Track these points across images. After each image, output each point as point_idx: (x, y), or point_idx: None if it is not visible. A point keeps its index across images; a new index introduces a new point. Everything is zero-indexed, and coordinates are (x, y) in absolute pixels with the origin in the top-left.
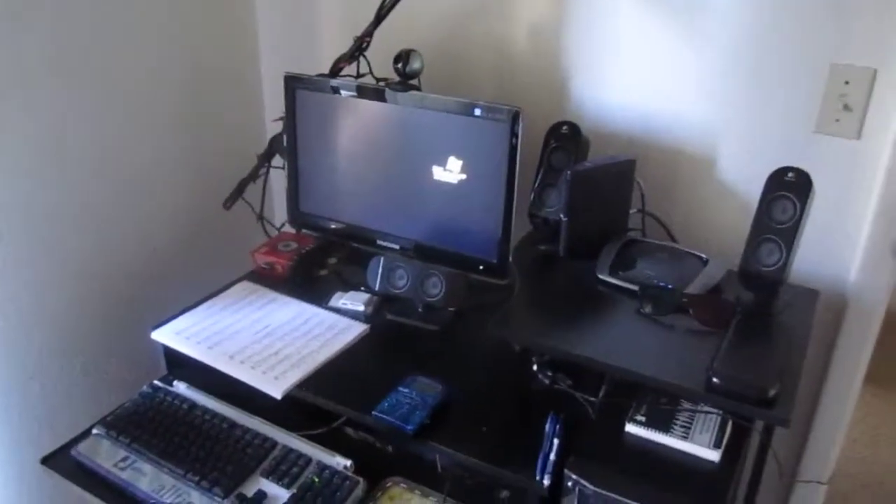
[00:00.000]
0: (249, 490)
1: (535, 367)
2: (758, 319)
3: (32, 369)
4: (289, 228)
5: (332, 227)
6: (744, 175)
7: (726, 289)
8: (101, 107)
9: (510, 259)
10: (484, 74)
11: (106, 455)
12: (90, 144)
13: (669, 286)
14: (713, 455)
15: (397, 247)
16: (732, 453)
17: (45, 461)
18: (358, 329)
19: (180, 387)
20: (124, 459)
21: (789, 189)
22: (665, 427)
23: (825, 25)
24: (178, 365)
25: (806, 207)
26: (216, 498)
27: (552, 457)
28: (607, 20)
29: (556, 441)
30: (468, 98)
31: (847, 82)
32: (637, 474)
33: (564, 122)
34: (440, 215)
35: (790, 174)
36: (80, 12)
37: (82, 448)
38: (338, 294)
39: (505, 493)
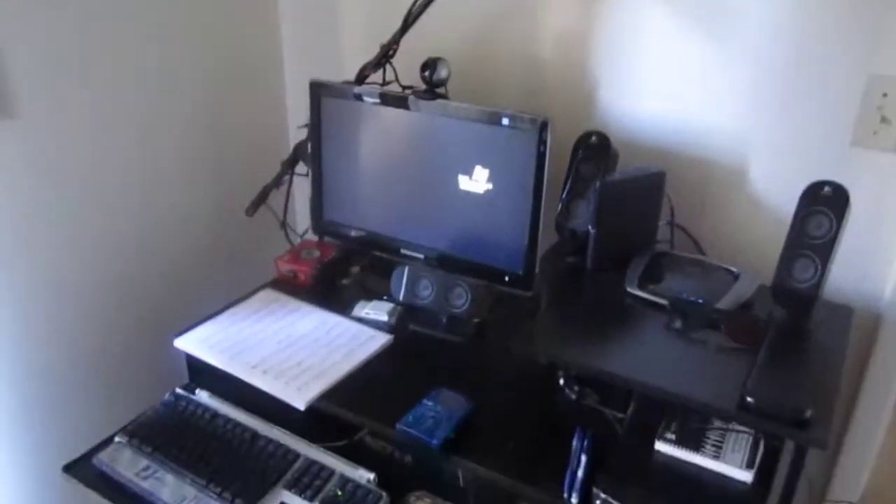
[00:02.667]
0: (272, 503)
1: (561, 382)
2: (791, 337)
3: (54, 376)
4: (312, 236)
5: (356, 235)
6: (776, 188)
7: (758, 304)
8: (122, 111)
9: (536, 270)
10: (512, 83)
11: (127, 464)
12: (110, 150)
13: (700, 301)
14: (745, 476)
15: (421, 256)
16: (765, 474)
17: (67, 469)
18: (381, 340)
19: (203, 396)
20: (146, 469)
21: (825, 204)
22: (696, 446)
23: (861, 35)
24: (201, 373)
25: (843, 223)
26: None
27: (580, 474)
28: (637, 29)
29: (583, 457)
30: (495, 107)
31: (885, 94)
32: (668, 494)
33: (593, 133)
34: (466, 225)
35: (826, 188)
36: (102, 12)
37: (104, 456)
38: (361, 303)
39: None
